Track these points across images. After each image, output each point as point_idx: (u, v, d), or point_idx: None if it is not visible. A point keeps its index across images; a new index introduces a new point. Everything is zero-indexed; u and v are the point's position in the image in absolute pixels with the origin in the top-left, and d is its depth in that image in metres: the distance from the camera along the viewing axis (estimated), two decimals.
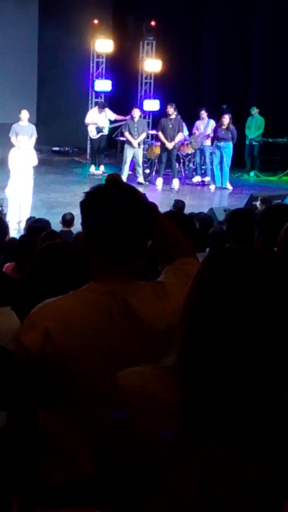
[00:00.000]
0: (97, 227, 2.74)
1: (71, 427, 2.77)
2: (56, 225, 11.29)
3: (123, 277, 2.74)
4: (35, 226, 9.60)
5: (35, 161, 15.24)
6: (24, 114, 17.70)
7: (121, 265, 2.74)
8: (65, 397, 2.76)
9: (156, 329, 2.70)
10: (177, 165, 20.01)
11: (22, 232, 11.31)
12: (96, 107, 21.11)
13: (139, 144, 19.68)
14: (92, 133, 20.71)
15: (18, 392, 1.99)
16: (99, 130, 20.52)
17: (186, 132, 20.21)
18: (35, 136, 17.28)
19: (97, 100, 22.18)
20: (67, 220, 11.81)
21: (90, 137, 21.16)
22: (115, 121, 20.72)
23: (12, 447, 1.99)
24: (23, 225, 12.65)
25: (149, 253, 3.06)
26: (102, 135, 20.66)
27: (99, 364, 2.68)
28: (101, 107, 20.96)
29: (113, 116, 20.68)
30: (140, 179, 19.78)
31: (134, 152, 19.60)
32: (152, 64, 22.74)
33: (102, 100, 22.16)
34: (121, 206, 2.72)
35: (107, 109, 20.96)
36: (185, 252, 3.05)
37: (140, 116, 20.17)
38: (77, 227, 11.70)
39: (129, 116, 20.04)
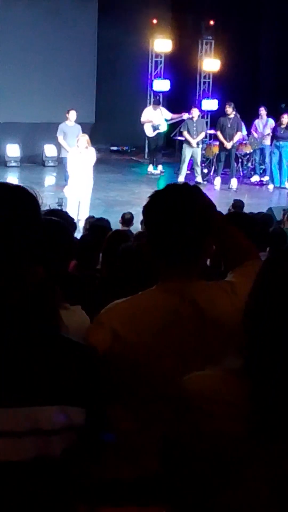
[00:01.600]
0: (160, 229, 2.76)
1: (137, 425, 2.80)
2: (115, 224, 11.32)
3: (190, 277, 2.76)
4: (98, 225, 9.62)
5: (93, 161, 15.27)
6: (72, 114, 17.76)
7: (187, 265, 2.76)
8: (131, 396, 2.78)
9: (224, 327, 2.70)
10: (235, 164, 19.95)
11: (81, 231, 11.36)
12: (151, 105, 21.14)
13: (197, 144, 19.67)
14: (148, 132, 20.74)
15: (95, 389, 2.01)
16: (155, 128, 20.54)
17: (244, 131, 20.15)
18: None
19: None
20: (127, 219, 11.82)
21: (147, 136, 21.18)
22: (171, 119, 20.69)
23: (89, 444, 2.01)
24: (81, 224, 12.71)
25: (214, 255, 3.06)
26: (158, 133, 20.67)
27: (166, 363, 2.70)
28: (156, 103, 20.99)
29: (169, 115, 20.68)
30: (198, 178, 19.75)
31: (192, 151, 19.60)
32: (210, 64, 22.70)
33: (158, 97, 22.17)
34: (184, 208, 2.74)
35: (162, 108, 20.97)
36: (250, 255, 3.05)
37: (198, 116, 20.17)
38: (136, 226, 11.73)
39: (183, 113, 20.03)
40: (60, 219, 3.40)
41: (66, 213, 3.80)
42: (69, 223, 3.37)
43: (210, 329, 2.72)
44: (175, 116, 20.52)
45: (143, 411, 2.77)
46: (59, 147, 18.59)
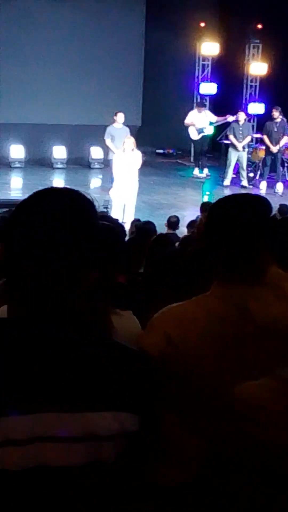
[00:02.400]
0: (225, 235, 2.78)
1: (187, 431, 2.80)
2: (160, 228, 11.33)
3: (245, 283, 2.77)
4: (144, 228, 9.64)
5: (139, 164, 15.31)
6: (120, 117, 17.77)
7: (244, 271, 2.77)
8: (182, 401, 2.78)
9: (276, 333, 2.71)
10: (281, 168, 19.84)
11: (126, 234, 11.38)
12: (196, 108, 21.13)
13: (243, 147, 19.62)
14: (193, 135, 20.72)
15: (148, 396, 2.01)
16: (199, 131, 20.51)
17: None
18: None
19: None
20: (172, 223, 11.82)
21: (192, 139, 21.16)
22: (217, 122, 20.65)
23: (142, 451, 2.02)
24: (127, 226, 12.74)
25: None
26: (204, 136, 20.63)
27: (218, 369, 2.70)
28: (200, 106, 20.97)
29: (214, 118, 20.64)
30: (244, 182, 19.69)
31: (238, 155, 19.56)
32: (257, 67, 22.62)
33: (205, 101, 22.16)
34: (248, 215, 2.76)
35: (207, 111, 20.95)
36: None
37: (245, 119, 20.11)
38: (182, 229, 11.73)
39: (228, 116, 19.98)
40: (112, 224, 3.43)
41: (113, 218, 3.80)
42: (118, 228, 3.38)
43: (263, 338, 2.72)
44: (220, 118, 20.47)
45: (194, 417, 2.77)
46: (105, 149, 18.65)
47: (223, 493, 2.06)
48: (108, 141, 17.56)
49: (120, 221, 14.45)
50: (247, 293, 2.76)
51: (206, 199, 17.06)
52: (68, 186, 2.04)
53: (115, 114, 17.86)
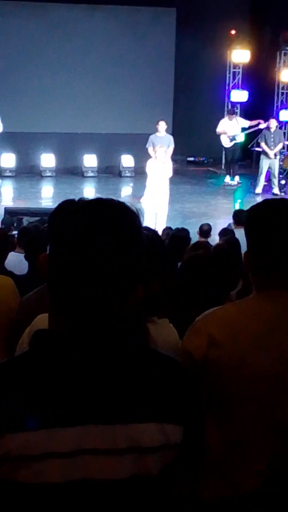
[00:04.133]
0: (266, 242, 2.78)
1: (231, 440, 2.76)
2: (192, 236, 11.28)
3: (286, 289, 2.75)
4: (178, 235, 9.62)
5: (170, 173, 15.33)
6: (162, 125, 17.75)
7: (285, 278, 2.76)
8: (225, 407, 2.76)
9: None
10: None
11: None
12: (227, 116, 21.10)
13: (275, 155, 19.55)
14: (225, 142, 20.69)
15: (192, 407, 1.98)
16: (232, 138, 20.48)
17: None
18: (172, 146, 17.17)
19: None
20: (205, 231, 11.78)
21: (224, 147, 21.14)
22: (249, 127, 20.60)
23: (186, 462, 1.98)
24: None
25: None
26: (235, 144, 20.60)
27: (263, 373, 2.68)
28: (231, 113, 20.96)
29: (246, 123, 20.61)
30: (276, 190, 19.62)
31: (270, 162, 19.50)
32: None
33: (236, 109, 22.13)
34: (286, 223, 2.77)
35: (238, 118, 20.94)
36: None
37: (276, 127, 20.03)
38: (214, 238, 11.68)
39: (260, 121, 19.94)
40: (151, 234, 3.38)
41: (150, 228, 3.77)
42: (158, 239, 3.35)
43: None
44: (253, 123, 20.39)
45: (238, 425, 2.74)
46: (136, 157, 18.64)
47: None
48: (150, 149, 17.52)
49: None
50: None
51: (237, 207, 17.01)
52: (98, 195, 1.99)
53: (157, 123, 17.81)
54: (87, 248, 1.84)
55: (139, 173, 18.39)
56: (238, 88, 23.00)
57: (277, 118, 21.17)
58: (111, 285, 1.85)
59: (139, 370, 1.91)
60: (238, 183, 21.07)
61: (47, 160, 21.43)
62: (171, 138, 17.55)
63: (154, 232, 3.44)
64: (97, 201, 1.97)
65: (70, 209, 1.94)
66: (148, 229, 3.33)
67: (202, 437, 2.05)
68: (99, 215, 1.90)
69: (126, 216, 1.92)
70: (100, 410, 1.84)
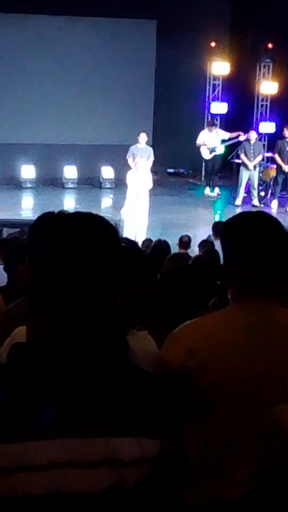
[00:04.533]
0: (242, 254, 2.80)
1: (212, 448, 2.77)
2: (172, 247, 11.30)
3: (265, 299, 2.78)
4: (161, 247, 9.65)
5: (150, 184, 15.35)
6: (143, 137, 17.78)
7: (268, 288, 2.79)
8: (206, 417, 2.77)
9: None
10: None
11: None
12: (207, 128, 21.15)
13: (254, 166, 19.64)
14: (205, 154, 20.75)
15: (171, 420, 1.98)
16: (211, 150, 20.54)
17: None
18: (152, 158, 17.17)
19: None
20: (185, 242, 11.82)
21: (204, 159, 21.19)
22: (229, 139, 20.66)
23: (164, 476, 1.98)
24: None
25: None
26: (215, 155, 20.68)
27: (242, 383, 2.70)
28: (210, 125, 21.03)
29: (226, 135, 20.70)
30: (255, 201, 19.70)
31: (249, 174, 19.59)
32: (268, 86, 22.58)
33: (216, 121, 22.19)
34: (264, 233, 2.80)
35: (218, 129, 21.01)
36: None
37: (256, 138, 20.13)
38: (193, 249, 11.71)
39: (240, 133, 20.01)
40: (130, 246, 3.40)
41: (130, 240, 3.79)
42: (137, 250, 3.37)
43: (285, 349, 2.72)
44: (233, 135, 20.46)
45: (219, 432, 2.75)
46: (116, 168, 18.65)
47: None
48: (130, 161, 17.54)
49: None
50: (266, 308, 2.79)
51: (217, 218, 17.05)
52: (78, 206, 2.03)
53: (138, 134, 17.82)
54: (80, 251, 1.88)
55: (119, 184, 18.39)
56: (218, 100, 23.04)
57: (256, 130, 21.25)
58: (103, 287, 1.89)
59: (117, 384, 1.92)
60: (218, 194, 21.12)
61: (27, 171, 21.37)
62: (151, 150, 17.58)
63: (133, 243, 3.45)
64: (77, 214, 2.01)
65: (57, 216, 1.97)
66: (126, 240, 3.35)
67: (179, 449, 2.06)
68: (87, 221, 1.95)
69: (106, 228, 1.97)
70: (77, 423, 1.84)
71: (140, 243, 12.82)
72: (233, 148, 20.89)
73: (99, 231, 1.94)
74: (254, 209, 17.63)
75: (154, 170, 16.02)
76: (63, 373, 1.87)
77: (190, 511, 2.71)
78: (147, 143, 17.68)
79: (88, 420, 1.85)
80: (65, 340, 1.89)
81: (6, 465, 1.79)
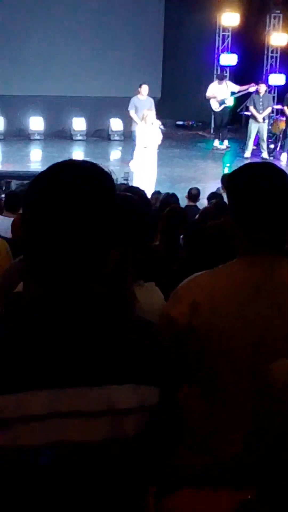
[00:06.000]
0: (244, 206, 2.76)
1: (213, 406, 2.78)
2: (181, 200, 11.29)
3: (271, 253, 2.75)
4: (169, 200, 9.63)
5: (159, 138, 15.27)
6: (144, 89, 17.69)
7: (269, 242, 2.74)
8: (208, 374, 2.77)
9: None
10: None
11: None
12: (216, 80, 20.99)
13: (264, 119, 19.49)
14: (215, 106, 20.60)
15: (169, 369, 2.00)
16: (221, 102, 20.39)
17: None
18: (153, 110, 17.14)
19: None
20: (193, 195, 11.80)
21: (213, 111, 21.05)
22: (239, 91, 20.49)
23: (162, 425, 2.00)
24: None
25: None
26: (225, 108, 20.51)
27: (246, 338, 2.68)
28: (220, 78, 20.86)
29: (236, 87, 20.48)
30: (264, 154, 19.59)
31: (258, 126, 19.44)
32: (278, 38, 22.39)
33: (226, 73, 22.00)
34: (275, 185, 2.75)
35: (228, 82, 20.82)
36: None
37: (265, 91, 19.95)
38: (202, 202, 11.69)
39: (252, 84, 19.84)
40: (136, 196, 3.38)
41: (139, 189, 3.77)
42: (144, 200, 3.33)
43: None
44: (243, 88, 20.28)
45: (221, 390, 2.76)
46: (126, 121, 18.57)
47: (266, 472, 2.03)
48: (132, 112, 17.45)
49: None
50: (271, 262, 2.75)
51: (226, 171, 16.99)
52: (87, 159, 1.98)
53: (140, 86, 17.74)
54: (61, 209, 1.83)
55: (128, 137, 18.31)
56: (227, 51, 22.81)
57: (266, 82, 21.08)
58: (85, 246, 1.84)
59: (116, 332, 1.91)
60: (227, 147, 21.00)
61: (36, 123, 21.29)
62: (152, 101, 17.48)
63: (142, 194, 3.42)
64: (68, 162, 1.96)
65: (42, 171, 1.93)
66: (136, 191, 3.32)
67: (177, 399, 2.07)
68: (69, 176, 1.89)
69: (97, 177, 1.91)
70: (76, 372, 1.84)
71: (149, 196, 12.82)
72: (242, 100, 20.73)
73: (88, 181, 1.88)
74: (257, 162, 17.57)
75: (162, 123, 15.91)
76: (60, 322, 1.86)
77: (188, 469, 2.75)
78: (155, 95, 17.55)
79: (86, 368, 1.85)
80: (57, 293, 1.86)
81: (5, 416, 1.79)
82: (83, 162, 1.96)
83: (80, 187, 1.86)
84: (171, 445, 2.13)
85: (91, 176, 1.91)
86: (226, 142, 21.07)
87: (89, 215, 1.84)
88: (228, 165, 19.01)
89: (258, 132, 19.59)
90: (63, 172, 1.91)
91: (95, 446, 1.86)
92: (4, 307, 1.92)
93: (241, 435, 2.21)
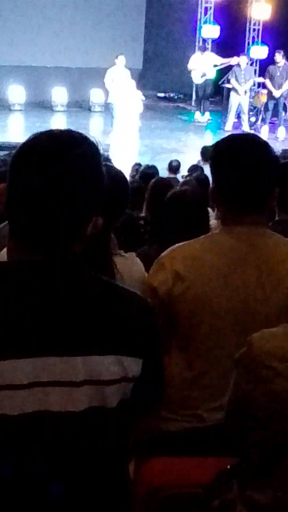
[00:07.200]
0: (227, 177, 2.79)
1: (196, 374, 2.81)
2: (161, 172, 11.28)
3: (253, 223, 2.77)
4: (147, 172, 9.62)
5: (140, 108, 15.23)
6: (121, 60, 17.68)
7: (251, 212, 2.77)
8: (189, 342, 2.80)
9: (283, 271, 2.73)
10: (283, 113, 19.69)
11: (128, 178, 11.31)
12: (198, 51, 20.90)
13: (245, 92, 19.46)
14: (196, 79, 20.54)
15: (152, 340, 2.00)
16: (203, 74, 20.32)
17: None
18: (131, 81, 17.05)
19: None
20: (174, 167, 11.79)
21: (195, 83, 20.99)
22: (221, 64, 20.41)
23: (144, 395, 2.01)
24: (127, 170, 12.68)
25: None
26: (206, 80, 20.45)
27: (226, 307, 2.71)
28: (202, 50, 20.77)
29: (218, 59, 20.40)
30: (245, 127, 19.57)
31: (240, 99, 19.41)
32: (261, 9, 22.19)
33: (208, 45, 21.89)
34: (252, 156, 2.77)
35: (211, 54, 20.73)
36: None
37: (247, 63, 19.88)
38: (183, 173, 11.69)
39: (233, 57, 19.77)
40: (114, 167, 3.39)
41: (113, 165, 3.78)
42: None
43: (272, 278, 2.73)
44: (225, 60, 20.21)
45: (202, 358, 2.79)
46: (106, 92, 18.50)
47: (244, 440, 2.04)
48: (108, 84, 17.38)
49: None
50: (252, 232, 2.78)
51: (207, 143, 16.97)
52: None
53: (116, 57, 17.68)
54: (40, 178, 1.83)
55: (108, 108, 18.22)
56: (210, 22, 22.63)
57: (248, 55, 21.01)
58: (71, 212, 1.85)
59: (98, 302, 1.91)
60: (208, 119, 20.97)
61: (16, 93, 21.15)
62: (128, 72, 17.47)
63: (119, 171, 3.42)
64: (51, 132, 1.95)
65: (27, 140, 1.93)
66: (113, 168, 3.32)
67: (160, 370, 2.08)
68: (53, 145, 1.89)
69: (87, 146, 1.91)
70: (58, 342, 1.84)
71: (129, 168, 12.81)
72: (224, 72, 20.65)
73: (75, 149, 1.88)
74: (240, 133, 17.55)
75: (144, 94, 15.87)
76: (43, 291, 1.85)
77: (171, 436, 2.78)
78: (136, 66, 17.51)
79: (69, 338, 1.85)
80: (37, 262, 1.86)
81: None
82: (66, 130, 1.96)
83: (63, 155, 1.86)
84: (152, 413, 2.15)
85: (76, 143, 1.90)
86: (207, 114, 21.04)
87: (74, 182, 1.85)
88: (208, 137, 18.99)
89: (239, 104, 19.55)
90: (47, 140, 1.91)
91: (77, 416, 1.86)
92: None
93: (224, 402, 2.23)
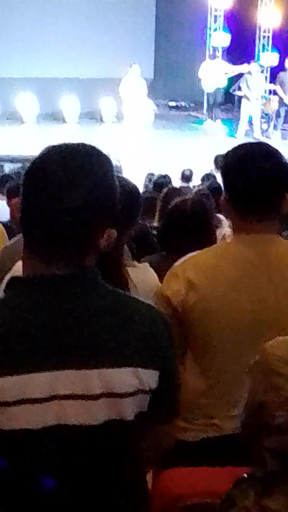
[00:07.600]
0: (237, 186, 2.80)
1: (211, 384, 2.81)
2: (174, 181, 11.28)
3: (264, 232, 2.78)
4: (161, 181, 9.64)
5: (151, 118, 15.26)
6: (135, 69, 17.73)
7: (262, 220, 2.78)
8: (203, 350, 2.80)
9: None
10: None
11: (141, 188, 11.34)
12: (209, 59, 20.90)
13: (256, 99, 19.43)
14: (206, 87, 20.53)
15: (167, 352, 2.01)
16: (213, 82, 20.30)
17: None
18: (145, 90, 17.07)
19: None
20: (186, 176, 11.82)
21: (206, 91, 20.98)
22: (232, 72, 20.40)
23: (161, 406, 2.02)
24: (141, 180, 12.69)
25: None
26: (217, 88, 20.45)
27: (240, 316, 2.71)
28: (212, 58, 20.76)
29: (229, 68, 20.40)
30: (257, 134, 19.55)
31: (251, 106, 19.38)
32: (271, 16, 22.20)
33: (218, 53, 21.89)
34: (263, 165, 2.79)
35: (221, 61, 20.73)
36: None
37: (257, 70, 19.86)
38: (195, 182, 11.69)
39: (244, 65, 19.76)
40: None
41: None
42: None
43: (285, 285, 2.74)
44: (236, 68, 20.20)
45: (215, 367, 2.79)
46: (118, 102, 18.53)
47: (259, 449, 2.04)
48: (123, 93, 17.43)
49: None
50: (264, 240, 2.80)
51: (219, 152, 16.95)
52: (82, 141, 2.00)
53: (130, 66, 17.71)
54: (60, 188, 1.84)
55: (120, 118, 18.23)
56: (218, 29, 22.59)
57: (258, 62, 20.99)
58: (83, 226, 1.86)
59: (114, 315, 1.92)
60: (220, 127, 20.96)
61: (28, 105, 21.16)
62: (144, 82, 17.49)
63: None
64: (65, 145, 1.96)
65: (42, 151, 1.94)
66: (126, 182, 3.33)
67: (177, 381, 2.09)
68: (72, 157, 1.90)
69: (98, 159, 1.93)
70: (75, 355, 1.85)
71: (143, 177, 12.84)
72: (235, 80, 20.66)
73: (87, 162, 1.90)
74: (251, 141, 17.52)
75: (155, 104, 15.87)
76: (60, 305, 1.87)
77: (187, 446, 2.77)
78: (147, 75, 17.55)
79: (85, 351, 1.86)
80: (54, 276, 1.88)
81: (4, 399, 1.80)
82: (80, 144, 1.97)
83: (78, 171, 1.87)
84: (168, 424, 2.15)
85: (92, 156, 1.93)
86: (219, 121, 21.01)
87: (87, 196, 1.86)
88: (221, 145, 18.95)
89: (251, 112, 19.54)
90: (60, 154, 1.92)
91: (94, 429, 1.87)
92: (5, 290, 1.93)
93: (240, 411, 2.23)
